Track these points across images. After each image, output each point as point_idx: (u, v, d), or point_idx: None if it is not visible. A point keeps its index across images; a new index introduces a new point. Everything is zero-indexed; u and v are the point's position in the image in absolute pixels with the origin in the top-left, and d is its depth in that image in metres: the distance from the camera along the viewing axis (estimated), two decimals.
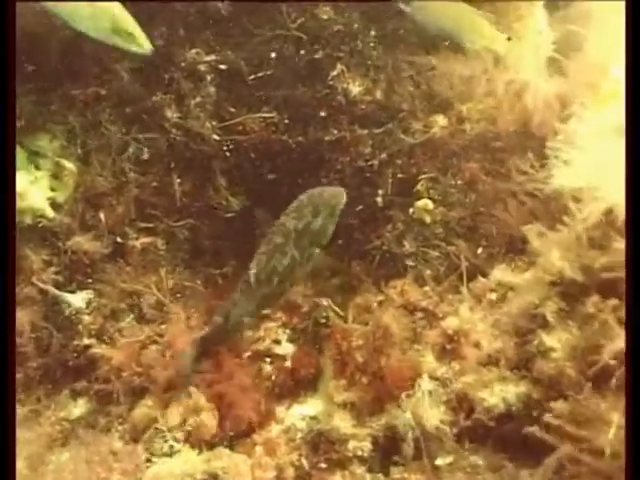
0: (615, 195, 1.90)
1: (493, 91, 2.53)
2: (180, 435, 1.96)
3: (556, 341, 1.78)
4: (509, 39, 2.56)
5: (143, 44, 1.95)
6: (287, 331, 2.50)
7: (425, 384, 1.89)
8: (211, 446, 2.00)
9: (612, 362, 1.63)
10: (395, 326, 2.15)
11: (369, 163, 2.56)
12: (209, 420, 1.99)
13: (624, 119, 1.88)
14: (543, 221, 2.13)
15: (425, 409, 1.81)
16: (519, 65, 2.56)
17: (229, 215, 2.61)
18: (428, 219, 2.52)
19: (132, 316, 2.35)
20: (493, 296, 2.04)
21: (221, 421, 2.11)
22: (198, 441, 1.97)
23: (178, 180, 2.51)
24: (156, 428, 1.95)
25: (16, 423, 1.89)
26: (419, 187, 2.51)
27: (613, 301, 1.74)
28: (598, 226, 1.95)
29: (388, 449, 1.96)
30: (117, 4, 1.91)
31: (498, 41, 2.50)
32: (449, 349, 1.95)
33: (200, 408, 1.99)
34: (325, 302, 2.52)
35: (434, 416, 1.80)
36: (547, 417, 1.65)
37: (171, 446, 1.93)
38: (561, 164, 2.16)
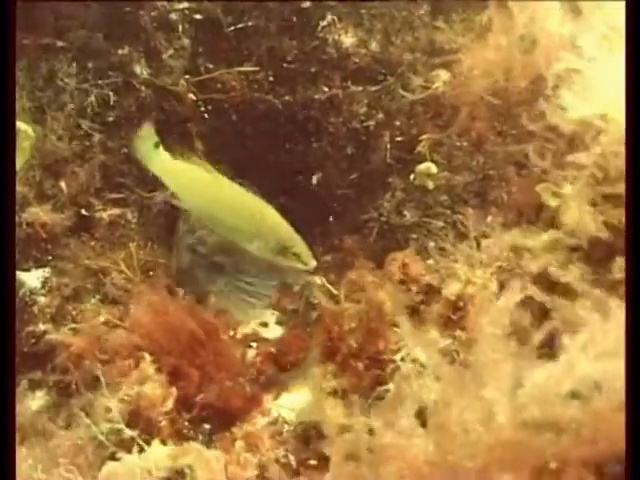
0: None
1: (501, 43, 2.27)
2: (140, 428, 1.69)
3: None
4: None
5: (308, 262, 1.79)
6: (276, 313, 2.25)
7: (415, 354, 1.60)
8: (183, 441, 1.74)
9: None
10: (389, 304, 1.87)
11: (364, 124, 2.30)
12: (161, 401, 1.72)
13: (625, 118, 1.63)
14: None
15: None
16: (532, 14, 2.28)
17: None
18: (431, 185, 2.25)
19: (97, 297, 2.08)
20: (504, 263, 1.76)
21: (198, 414, 1.85)
22: (166, 435, 1.71)
23: None
24: (114, 420, 1.68)
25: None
26: (420, 149, 2.24)
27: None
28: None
29: None
30: (284, 225, 1.76)
31: None
32: (454, 319, 1.67)
33: (162, 395, 1.73)
34: (319, 280, 2.27)
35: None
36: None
37: (132, 438, 1.66)
38: (574, 107, 1.89)
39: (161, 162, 1.77)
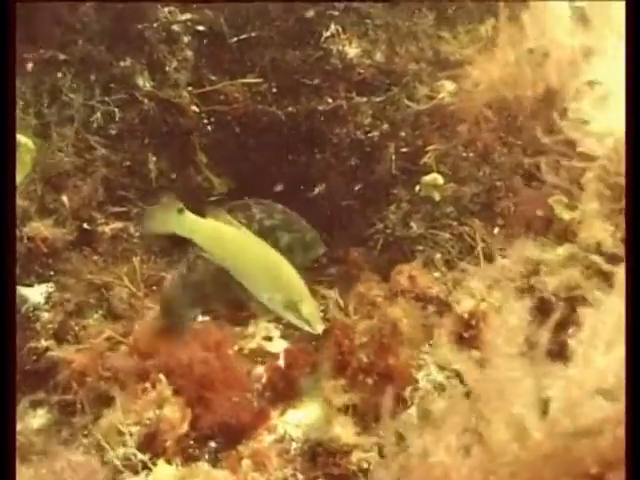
0: None
1: (509, 53, 2.24)
2: (149, 448, 1.65)
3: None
4: None
5: (314, 324, 1.77)
6: (280, 326, 2.21)
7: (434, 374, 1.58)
8: (189, 460, 1.70)
9: None
10: (405, 322, 1.84)
11: (369, 135, 2.27)
12: (178, 424, 1.69)
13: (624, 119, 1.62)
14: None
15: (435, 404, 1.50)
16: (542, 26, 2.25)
17: (212, 198, 2.32)
18: (437, 196, 2.22)
19: (100, 312, 2.05)
20: (518, 279, 1.73)
21: (201, 431, 1.81)
22: (172, 455, 1.67)
23: (153, 158, 2.22)
24: (122, 441, 1.64)
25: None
26: (426, 160, 2.21)
27: None
28: None
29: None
30: (298, 283, 1.77)
31: None
32: (466, 337, 1.64)
33: (174, 419, 1.69)
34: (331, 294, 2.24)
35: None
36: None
37: (142, 461, 1.62)
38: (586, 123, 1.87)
39: (189, 224, 1.82)
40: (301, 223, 2.16)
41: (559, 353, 1.48)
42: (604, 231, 1.67)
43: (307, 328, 1.77)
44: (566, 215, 1.82)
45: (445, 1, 2.35)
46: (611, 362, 1.19)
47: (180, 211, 1.80)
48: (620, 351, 1.21)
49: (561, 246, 1.72)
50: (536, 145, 1.96)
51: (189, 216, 1.81)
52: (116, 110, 2.16)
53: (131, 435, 1.63)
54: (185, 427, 1.68)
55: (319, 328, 1.77)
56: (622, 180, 1.74)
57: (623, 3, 1.85)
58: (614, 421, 1.11)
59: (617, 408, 1.13)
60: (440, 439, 1.22)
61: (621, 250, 1.61)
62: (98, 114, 2.12)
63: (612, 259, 1.59)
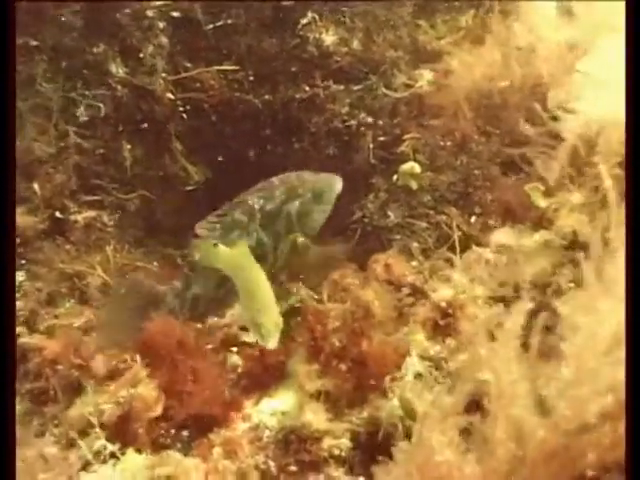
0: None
1: (493, 44, 2.22)
2: (119, 438, 1.62)
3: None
4: None
5: (266, 341, 1.84)
6: None
7: (415, 365, 1.57)
8: (159, 449, 1.67)
9: None
10: (377, 304, 1.82)
11: (347, 124, 2.25)
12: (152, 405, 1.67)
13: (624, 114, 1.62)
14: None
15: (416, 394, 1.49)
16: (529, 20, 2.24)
17: (188, 187, 2.30)
18: (414, 185, 2.20)
19: (72, 301, 2.02)
20: (493, 262, 1.72)
21: (176, 420, 1.78)
22: (143, 443, 1.64)
23: (128, 146, 2.20)
24: (92, 428, 1.61)
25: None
26: (404, 148, 2.20)
27: None
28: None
29: (371, 447, 1.64)
30: (266, 302, 1.86)
31: None
32: (442, 325, 1.63)
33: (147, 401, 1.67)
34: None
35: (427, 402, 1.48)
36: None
37: (111, 453, 1.59)
38: (570, 114, 1.86)
39: (222, 256, 1.95)
40: (303, 178, 2.07)
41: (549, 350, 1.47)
42: (579, 221, 1.66)
43: (261, 342, 1.82)
44: (542, 202, 1.81)
45: None
46: (599, 355, 1.18)
47: (215, 245, 1.93)
48: (605, 344, 1.19)
49: (537, 232, 1.71)
50: (514, 135, 1.95)
51: (221, 250, 1.94)
52: (90, 96, 2.12)
53: (102, 425, 1.60)
54: (159, 410, 1.66)
55: (271, 344, 1.81)
56: (603, 169, 1.73)
57: (623, 3, 1.83)
58: (610, 415, 1.10)
59: (609, 402, 1.12)
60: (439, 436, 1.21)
61: (595, 239, 1.59)
62: (72, 101, 2.09)
63: (586, 248, 1.58)
